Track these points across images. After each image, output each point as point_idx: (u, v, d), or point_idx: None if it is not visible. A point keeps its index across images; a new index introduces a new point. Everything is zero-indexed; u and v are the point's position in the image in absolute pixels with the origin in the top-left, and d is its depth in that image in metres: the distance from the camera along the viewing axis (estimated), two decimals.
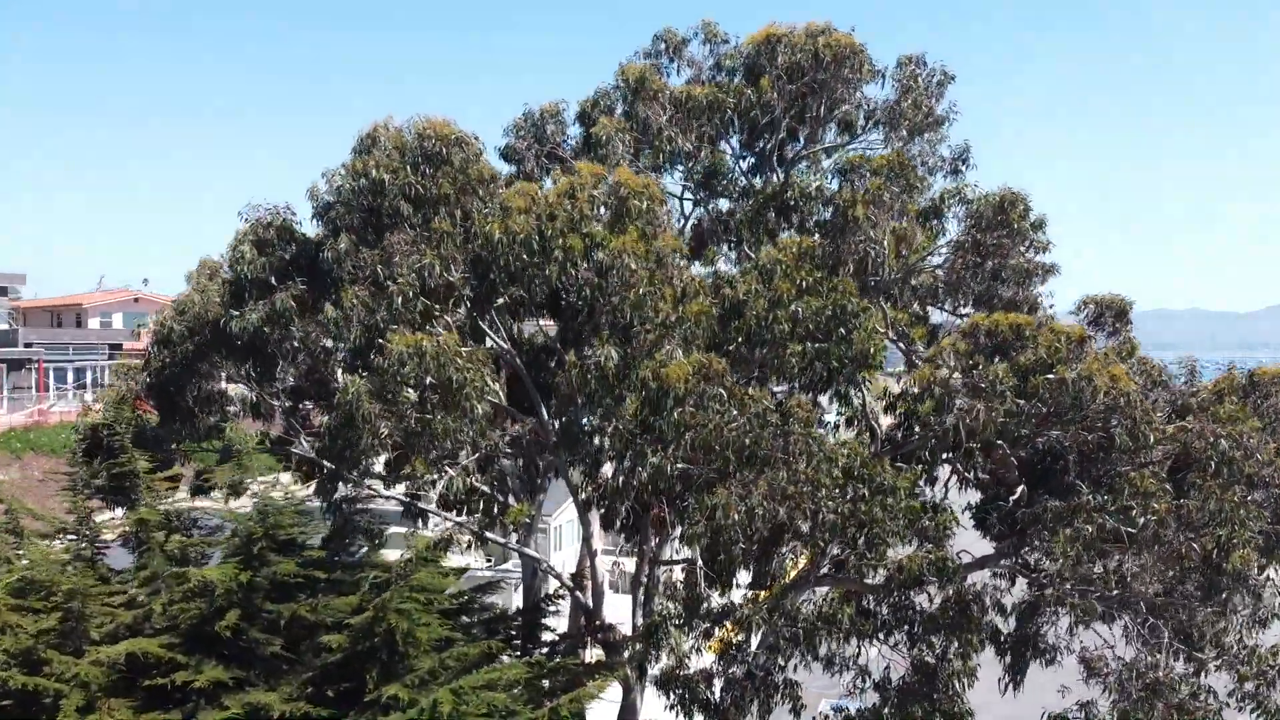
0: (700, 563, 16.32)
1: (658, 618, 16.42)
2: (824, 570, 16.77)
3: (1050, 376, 14.85)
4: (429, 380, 14.16)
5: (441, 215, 15.61)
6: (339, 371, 15.71)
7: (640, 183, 15.87)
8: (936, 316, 20.03)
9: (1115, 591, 14.68)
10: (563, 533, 40.90)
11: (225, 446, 18.90)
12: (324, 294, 15.54)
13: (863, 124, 20.02)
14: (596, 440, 16.75)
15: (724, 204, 20.06)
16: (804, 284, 15.65)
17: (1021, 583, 17.47)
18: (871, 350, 15.78)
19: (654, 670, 16.94)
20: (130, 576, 15.03)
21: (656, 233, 15.77)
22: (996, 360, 15.40)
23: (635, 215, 15.58)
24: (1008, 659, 16.66)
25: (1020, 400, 15.15)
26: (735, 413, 14.40)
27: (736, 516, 13.87)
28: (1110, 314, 18.24)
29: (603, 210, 15.78)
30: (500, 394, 16.01)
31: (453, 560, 19.42)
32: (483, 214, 15.50)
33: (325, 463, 15.55)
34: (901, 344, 18.72)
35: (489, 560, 27.43)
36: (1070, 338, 15.26)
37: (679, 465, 14.26)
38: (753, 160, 20.01)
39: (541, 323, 19.21)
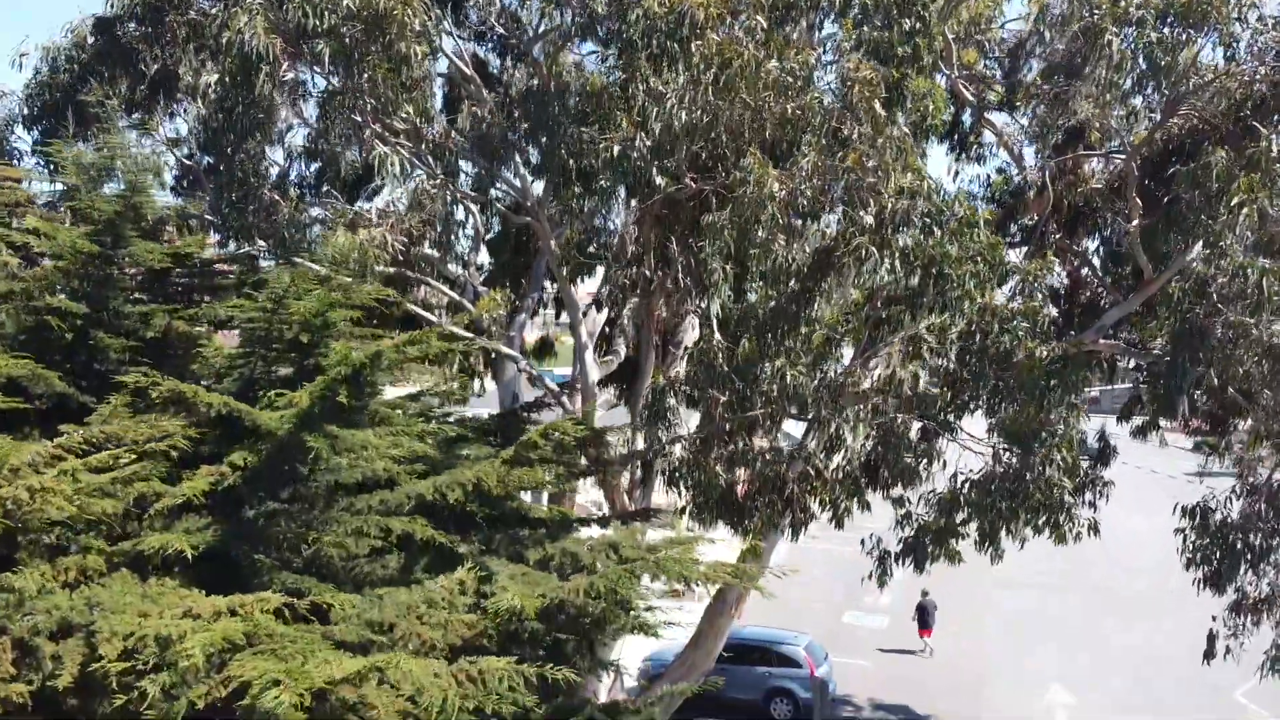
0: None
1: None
2: (883, 315, 12.88)
3: None
4: (348, 4, 10.10)
5: None
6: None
7: None
8: None
9: None
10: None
11: None
12: None
13: None
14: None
15: None
16: None
17: None
18: None
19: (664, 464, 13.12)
20: None
21: None
22: None
23: None
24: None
25: None
26: (774, 63, 10.46)
27: (777, 189, 9.95)
28: None
29: None
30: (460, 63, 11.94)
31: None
32: None
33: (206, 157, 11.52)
34: None
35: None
36: None
37: (702, 120, 10.26)
38: None
39: None
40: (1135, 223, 12.83)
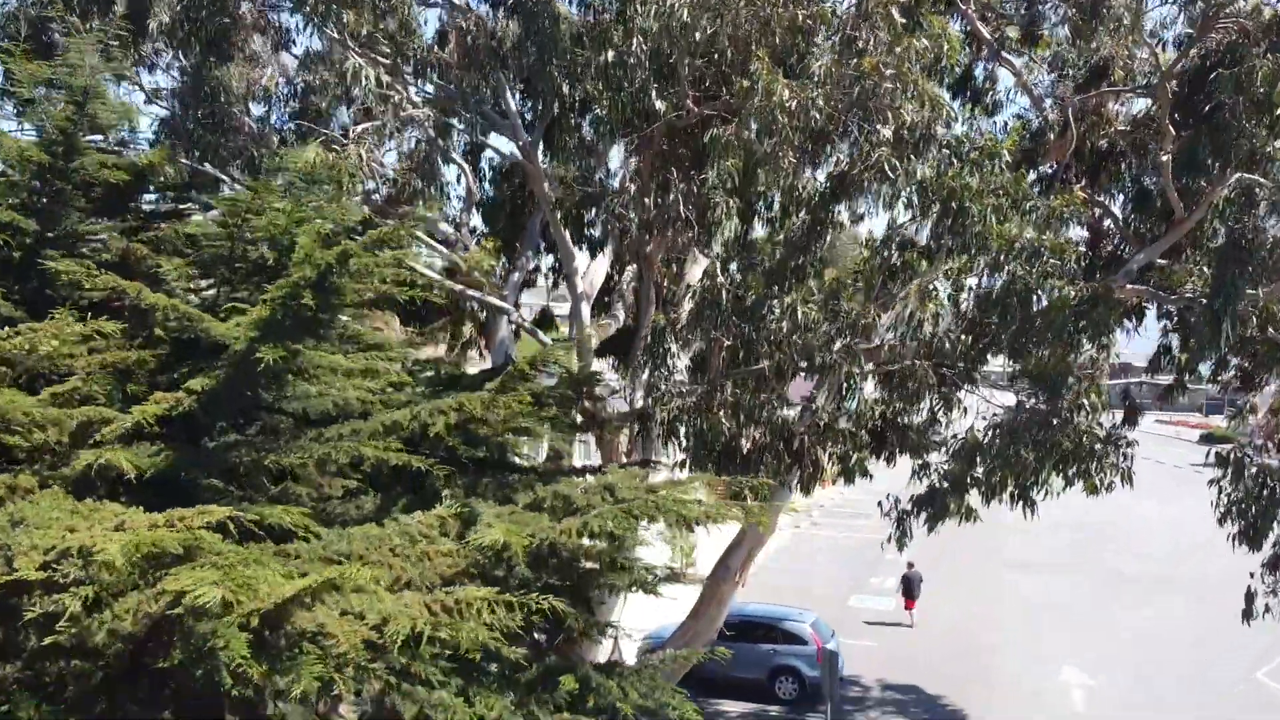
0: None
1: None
2: (897, 264, 12.05)
3: None
4: None
5: None
6: None
7: None
8: None
9: None
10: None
11: None
12: None
13: None
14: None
15: None
16: None
17: None
18: None
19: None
20: None
21: None
22: None
23: None
24: None
25: None
26: None
27: (787, 98, 9.12)
28: None
29: None
30: None
31: None
32: None
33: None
34: None
35: None
36: None
37: (705, 26, 9.44)
38: None
39: None
40: (1167, 154, 12.01)
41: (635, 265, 17.15)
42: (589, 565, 10.22)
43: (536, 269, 20.41)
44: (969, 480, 11.54)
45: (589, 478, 11.91)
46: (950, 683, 20.48)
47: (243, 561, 5.51)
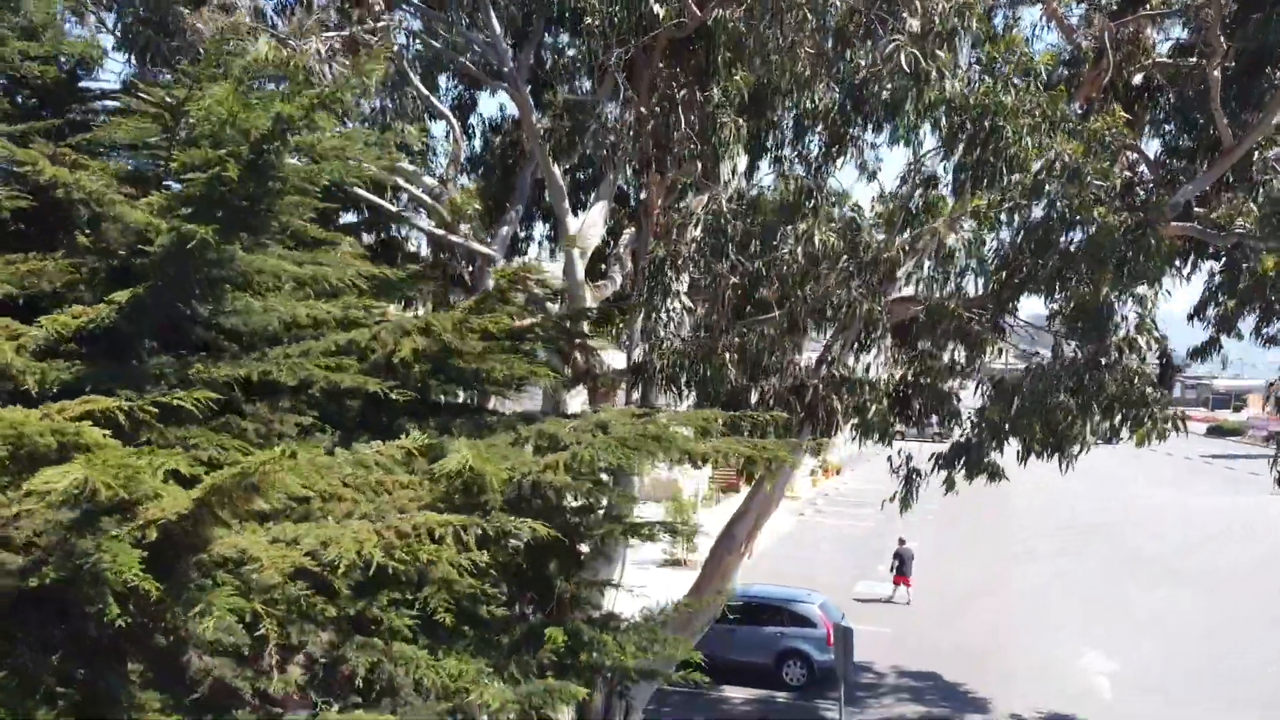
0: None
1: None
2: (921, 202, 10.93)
3: None
4: None
5: None
6: None
7: None
8: None
9: None
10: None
11: None
12: None
13: None
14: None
15: None
16: None
17: None
18: None
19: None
20: None
21: None
22: None
23: None
24: None
25: None
26: None
27: None
28: None
29: None
30: None
31: None
32: None
33: None
34: None
35: None
36: None
37: None
38: None
39: None
40: (1216, 69, 10.89)
41: (633, 227, 16.04)
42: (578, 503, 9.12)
43: (528, 238, 19.32)
44: (1005, 428, 10.36)
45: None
46: (968, 669, 19.34)
47: (131, 456, 4.38)
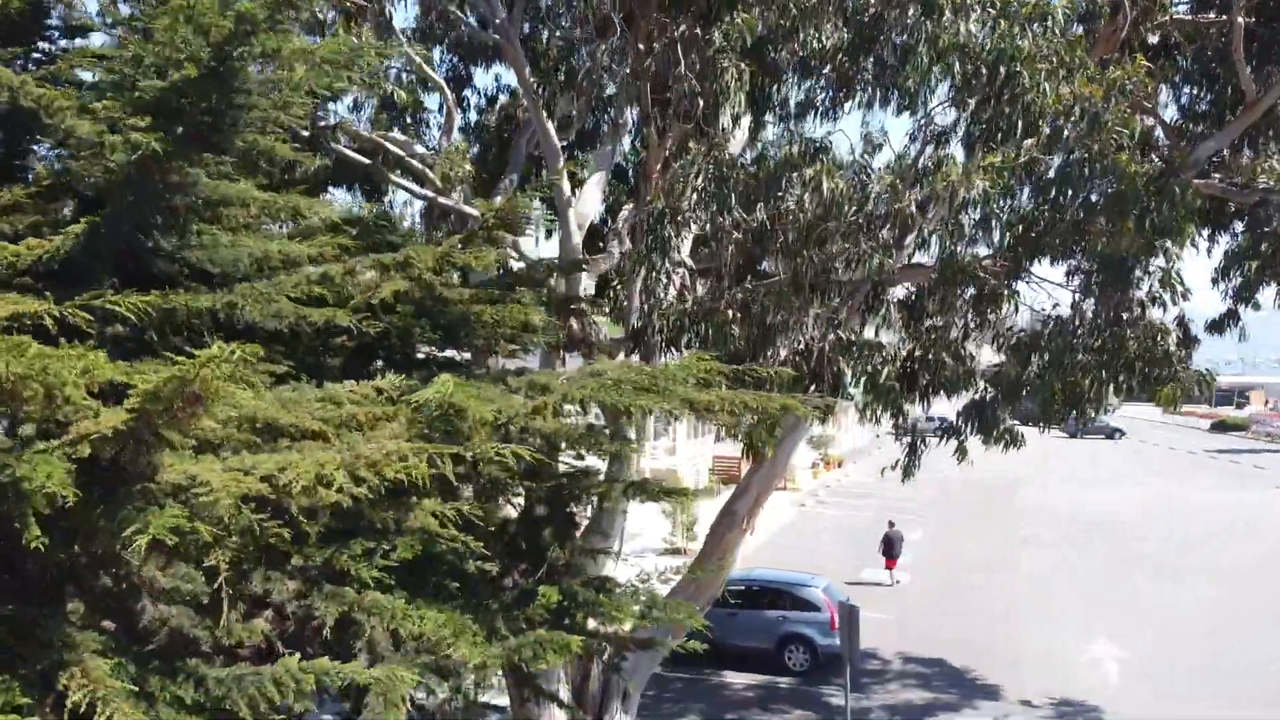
0: None
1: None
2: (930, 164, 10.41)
3: None
4: None
5: None
6: None
7: None
8: None
9: None
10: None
11: None
12: None
13: None
14: None
15: None
16: None
17: None
18: None
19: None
20: None
21: None
22: None
23: None
24: None
25: None
26: None
27: None
28: None
29: None
30: None
31: None
32: None
33: None
34: None
35: None
36: None
37: None
38: None
39: None
40: (1240, 15, 10.41)
41: (631, 203, 15.55)
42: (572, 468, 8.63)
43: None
44: (1022, 389, 9.85)
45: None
46: (974, 656, 18.84)
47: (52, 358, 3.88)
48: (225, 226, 6.90)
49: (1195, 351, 13.75)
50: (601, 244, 18.76)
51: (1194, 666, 18.50)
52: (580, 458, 8.92)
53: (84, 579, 4.94)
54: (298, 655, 5.04)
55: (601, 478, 9.25)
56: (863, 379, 10.83)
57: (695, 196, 9.53)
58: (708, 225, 10.01)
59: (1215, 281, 12.21)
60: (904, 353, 11.90)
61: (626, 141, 15.19)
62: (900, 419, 12.24)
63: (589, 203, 16.76)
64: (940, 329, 11.87)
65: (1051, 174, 10.14)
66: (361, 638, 5.97)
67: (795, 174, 9.17)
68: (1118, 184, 9.09)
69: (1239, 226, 12.19)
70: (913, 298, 12.42)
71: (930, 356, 12.04)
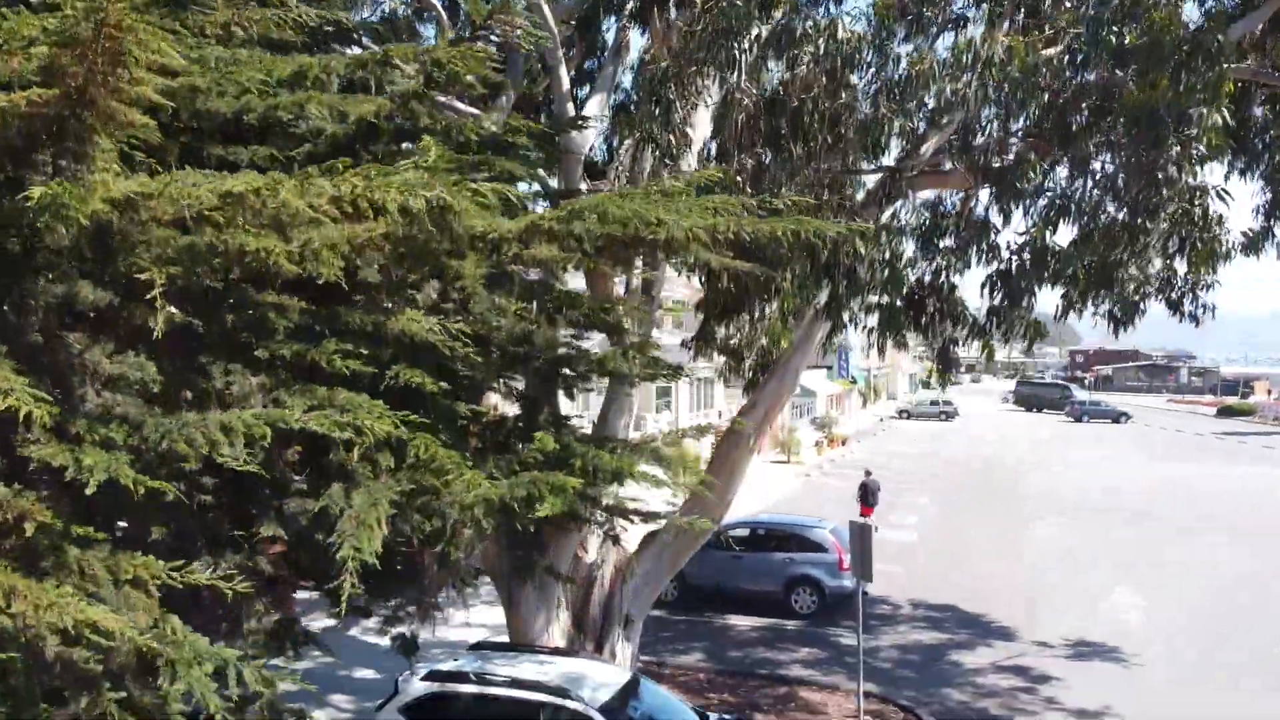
0: None
1: None
2: None
3: None
4: None
5: None
6: None
7: None
8: None
9: None
10: None
11: None
12: None
13: None
14: None
15: None
16: None
17: None
18: None
19: None
20: None
21: None
22: None
23: None
24: None
25: None
26: None
27: None
28: None
29: None
30: None
31: None
32: None
33: None
34: None
35: None
36: None
37: None
38: None
39: None
40: None
41: (636, 134, 14.93)
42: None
43: None
44: (1052, 257, 9.22)
45: None
46: (987, 601, 18.24)
47: None
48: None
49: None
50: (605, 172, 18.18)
51: (1216, 613, 17.90)
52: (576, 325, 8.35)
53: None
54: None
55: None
56: (884, 271, 10.18)
57: (703, 54, 8.89)
58: (719, 85, 9.35)
59: (1244, 172, 11.55)
60: (913, 279, 11.36)
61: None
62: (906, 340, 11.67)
63: (590, 131, 16.16)
64: (955, 250, 11.31)
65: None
66: (334, 453, 5.37)
67: (809, 23, 8.55)
68: (1152, 32, 8.48)
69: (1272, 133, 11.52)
70: (925, 225, 11.85)
71: (941, 280, 11.48)
